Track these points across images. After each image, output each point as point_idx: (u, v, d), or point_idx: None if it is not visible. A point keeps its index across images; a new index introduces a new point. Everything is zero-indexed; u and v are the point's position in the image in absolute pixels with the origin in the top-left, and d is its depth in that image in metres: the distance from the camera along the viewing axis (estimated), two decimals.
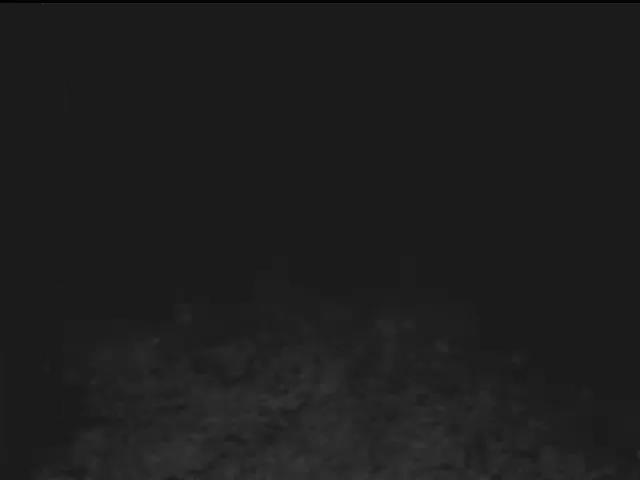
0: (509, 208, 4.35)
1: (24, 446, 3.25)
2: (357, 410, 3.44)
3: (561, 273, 4.10)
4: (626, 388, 3.56)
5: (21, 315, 3.81)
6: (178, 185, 4.41)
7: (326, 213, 4.39)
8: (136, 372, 3.59)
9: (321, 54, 4.39)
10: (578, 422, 3.40)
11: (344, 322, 3.86)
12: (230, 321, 3.86)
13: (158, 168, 4.41)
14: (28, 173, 4.21)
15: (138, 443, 3.28)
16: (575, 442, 3.31)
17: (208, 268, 4.14)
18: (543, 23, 4.28)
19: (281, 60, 4.40)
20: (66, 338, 3.74)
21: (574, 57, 4.30)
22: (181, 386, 3.53)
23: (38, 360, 3.61)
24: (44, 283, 3.98)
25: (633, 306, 3.92)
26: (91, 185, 4.34)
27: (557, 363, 3.67)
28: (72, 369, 3.60)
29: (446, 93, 4.42)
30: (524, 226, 4.30)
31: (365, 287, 4.06)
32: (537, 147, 4.40)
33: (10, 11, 4.08)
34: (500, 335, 3.81)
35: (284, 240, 4.28)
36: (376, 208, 4.40)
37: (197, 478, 3.15)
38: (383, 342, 3.76)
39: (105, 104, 4.35)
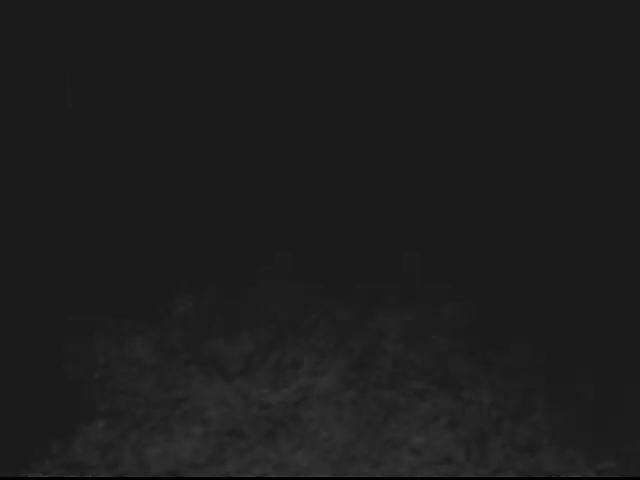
0: (511, 206, 4.36)
1: (26, 439, 3.27)
2: (357, 404, 3.44)
3: (562, 269, 4.10)
4: (627, 384, 3.56)
5: (24, 310, 3.83)
6: (181, 182, 4.42)
7: (329, 210, 4.39)
8: (137, 366, 3.61)
9: (327, 54, 4.40)
10: (578, 419, 3.39)
11: (344, 317, 3.86)
12: (231, 316, 3.87)
13: (160, 165, 4.43)
14: (31, 169, 4.23)
15: (139, 437, 3.29)
16: (575, 437, 3.31)
17: (209, 263, 4.15)
18: (543, 23, 4.28)
19: (287, 57, 4.41)
20: (68, 333, 3.75)
21: (574, 57, 4.30)
22: (181, 381, 3.54)
23: (40, 355, 3.63)
24: (47, 279, 4.00)
25: (633, 305, 3.92)
26: (94, 181, 4.36)
27: (558, 359, 3.67)
28: (74, 364, 3.61)
29: (450, 91, 4.43)
30: (525, 224, 4.30)
31: (366, 283, 4.07)
32: (541, 147, 4.40)
33: (14, 7, 4.11)
34: (500, 331, 3.81)
35: (287, 236, 4.29)
36: (379, 205, 4.41)
37: (197, 471, 3.16)
38: (383, 337, 3.77)
39: (108, 100, 4.36)
